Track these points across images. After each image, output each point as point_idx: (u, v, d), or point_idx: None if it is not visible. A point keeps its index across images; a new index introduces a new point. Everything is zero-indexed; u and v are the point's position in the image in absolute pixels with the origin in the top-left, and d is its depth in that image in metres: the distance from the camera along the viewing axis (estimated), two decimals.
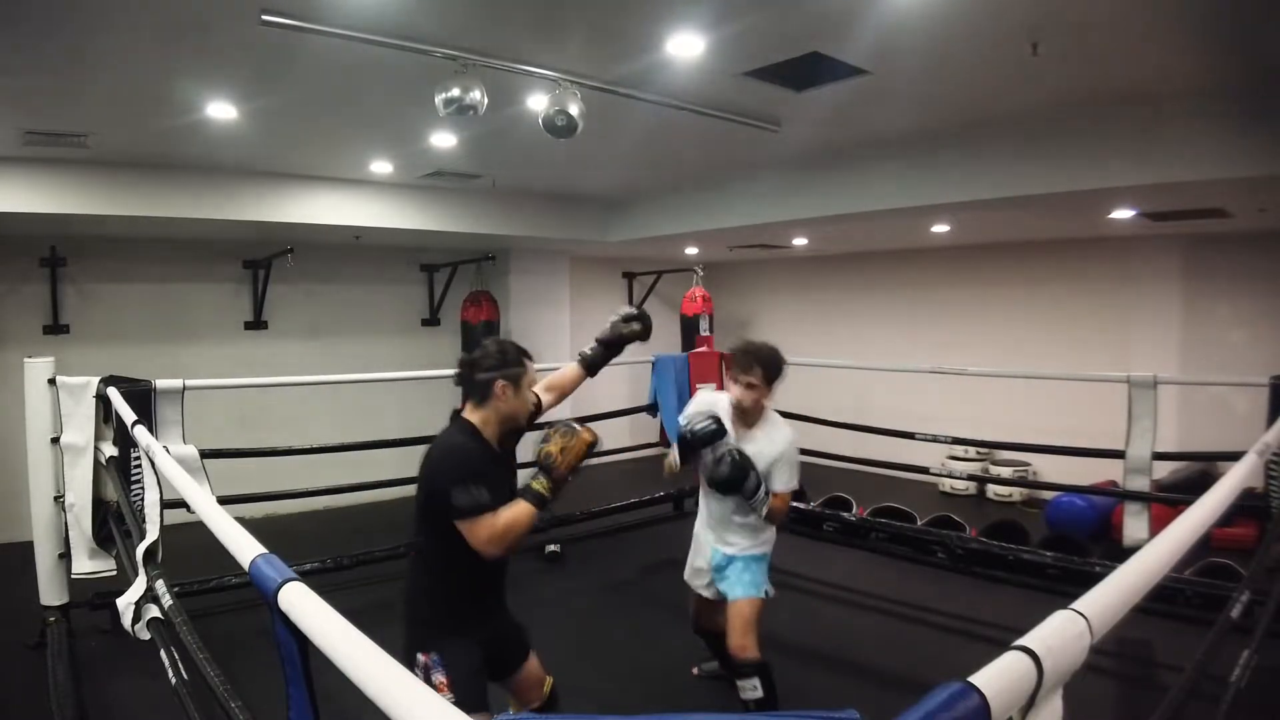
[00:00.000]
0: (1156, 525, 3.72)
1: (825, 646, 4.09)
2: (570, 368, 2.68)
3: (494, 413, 2.24)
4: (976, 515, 6.23)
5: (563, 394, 2.63)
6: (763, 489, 2.84)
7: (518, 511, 2.10)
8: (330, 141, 4.79)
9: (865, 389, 7.57)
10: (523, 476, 2.32)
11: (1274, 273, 6.04)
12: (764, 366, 2.84)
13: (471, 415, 2.25)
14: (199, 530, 1.72)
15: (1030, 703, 0.93)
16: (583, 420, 2.41)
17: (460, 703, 2.03)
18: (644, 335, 2.70)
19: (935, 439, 5.53)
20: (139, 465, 3.41)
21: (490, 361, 2.24)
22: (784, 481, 2.93)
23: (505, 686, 2.45)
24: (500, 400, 2.22)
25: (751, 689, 2.80)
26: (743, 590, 2.94)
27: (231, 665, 2.19)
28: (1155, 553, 1.39)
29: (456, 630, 2.18)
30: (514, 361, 2.25)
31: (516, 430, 2.35)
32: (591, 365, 2.67)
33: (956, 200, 4.79)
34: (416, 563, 2.31)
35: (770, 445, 2.91)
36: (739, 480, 2.79)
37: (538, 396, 2.47)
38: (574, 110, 3.29)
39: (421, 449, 2.23)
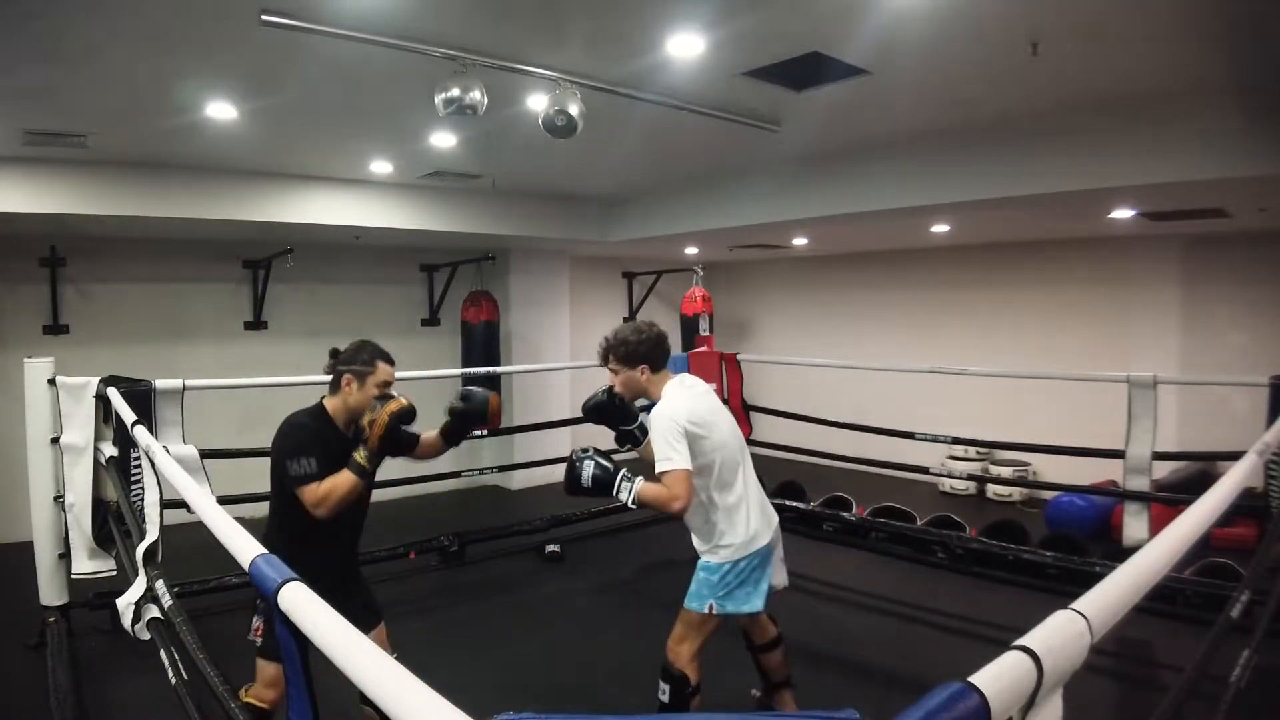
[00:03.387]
0: (1156, 525, 3.72)
1: (825, 646, 4.08)
2: (432, 433, 2.83)
3: (341, 402, 2.53)
4: (976, 515, 6.23)
5: (431, 453, 2.84)
6: (619, 475, 2.63)
7: (338, 480, 2.37)
8: (330, 141, 4.79)
9: (865, 389, 7.57)
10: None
11: (1274, 273, 6.04)
12: (612, 353, 2.82)
13: (327, 401, 2.55)
14: (199, 530, 1.72)
15: (1030, 703, 0.93)
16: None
17: (264, 648, 2.39)
18: (469, 416, 2.79)
19: (935, 439, 5.53)
20: (139, 465, 3.41)
21: (345, 357, 2.54)
22: (657, 460, 2.59)
23: None
24: (346, 392, 2.51)
25: (660, 692, 2.72)
26: (685, 598, 2.76)
27: (231, 665, 2.19)
28: (1155, 553, 1.39)
29: None
30: (364, 361, 2.52)
31: (394, 440, 2.51)
32: (449, 435, 2.82)
33: (956, 200, 4.79)
34: (269, 518, 2.56)
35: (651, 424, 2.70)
36: (573, 482, 2.70)
37: (417, 436, 2.76)
38: (574, 110, 3.29)
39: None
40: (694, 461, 2.57)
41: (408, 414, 2.47)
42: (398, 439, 2.54)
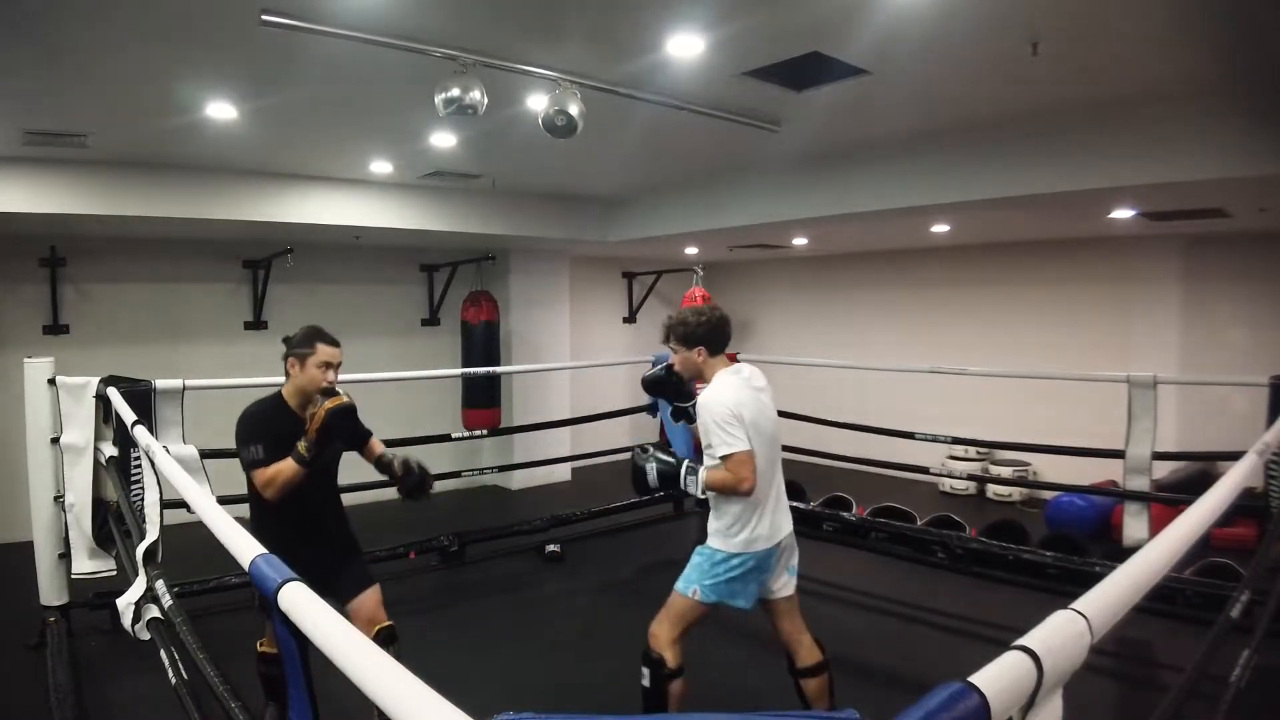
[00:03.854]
0: (1156, 525, 3.72)
1: (825, 646, 4.08)
2: (380, 452, 3.04)
3: (292, 385, 2.74)
4: (976, 515, 6.23)
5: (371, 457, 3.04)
6: (683, 468, 2.72)
7: (281, 467, 2.58)
8: (330, 141, 4.78)
9: (865, 389, 7.58)
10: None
11: (1274, 273, 6.04)
12: (671, 332, 2.85)
13: (284, 389, 2.78)
14: (199, 530, 1.72)
15: (1030, 703, 0.93)
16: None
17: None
18: (406, 490, 2.96)
19: (935, 439, 5.53)
20: (139, 465, 3.41)
21: (290, 342, 2.76)
22: (709, 448, 2.66)
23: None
24: (293, 375, 2.73)
25: (642, 676, 2.73)
26: (677, 581, 2.77)
27: (231, 665, 2.19)
28: (1155, 552, 1.39)
29: None
30: (302, 343, 2.73)
31: (338, 433, 2.68)
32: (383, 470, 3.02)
33: (956, 200, 4.79)
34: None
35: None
36: (639, 482, 2.80)
37: (368, 431, 2.97)
38: (574, 110, 3.29)
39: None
40: None
41: (346, 411, 2.61)
42: (344, 432, 2.68)
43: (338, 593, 2.76)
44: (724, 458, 2.60)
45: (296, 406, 2.73)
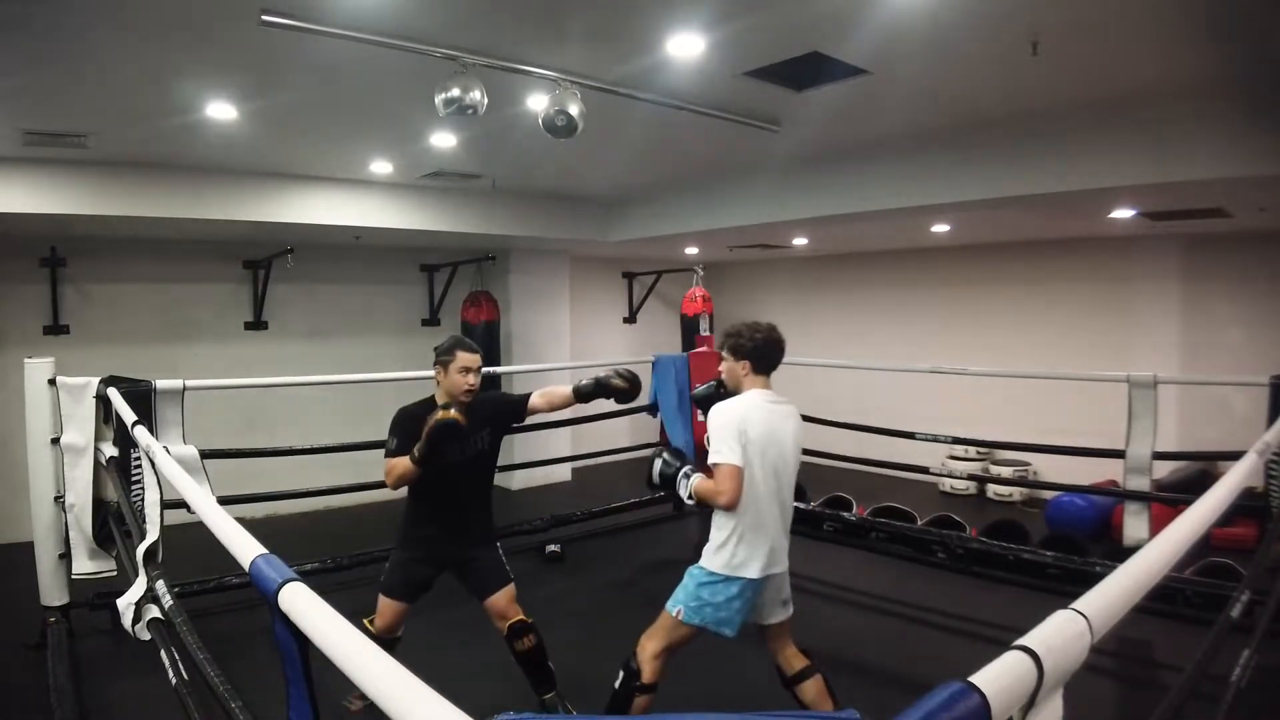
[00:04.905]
0: (1156, 525, 3.72)
1: (825, 646, 4.06)
2: (563, 389, 3.23)
3: (440, 389, 3.03)
4: (976, 515, 6.23)
5: (551, 407, 3.25)
6: (680, 472, 2.75)
7: (397, 461, 2.88)
8: (330, 141, 4.78)
9: (865, 389, 7.57)
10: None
11: (1274, 273, 6.04)
12: (726, 342, 2.86)
13: (436, 391, 3.06)
14: (199, 530, 1.72)
15: (1030, 702, 0.93)
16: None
17: (384, 588, 3.06)
18: (608, 391, 3.23)
19: (935, 439, 5.53)
20: (139, 465, 3.41)
21: (437, 350, 3.04)
22: (710, 453, 2.66)
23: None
24: (439, 379, 3.02)
25: (616, 677, 2.77)
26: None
27: (231, 665, 2.18)
28: (1155, 552, 1.39)
29: (401, 545, 3.12)
30: (444, 352, 3.01)
31: (500, 410, 3.17)
32: (581, 395, 3.18)
33: (956, 200, 4.79)
34: None
35: None
36: (648, 479, 2.90)
37: (527, 396, 3.20)
38: (574, 110, 3.29)
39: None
40: None
41: (450, 426, 2.79)
42: (475, 428, 2.97)
43: (466, 581, 3.13)
44: (713, 466, 2.59)
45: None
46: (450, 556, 3.09)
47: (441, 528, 3.05)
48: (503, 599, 3.08)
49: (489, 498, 3.20)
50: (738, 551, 2.64)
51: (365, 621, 3.06)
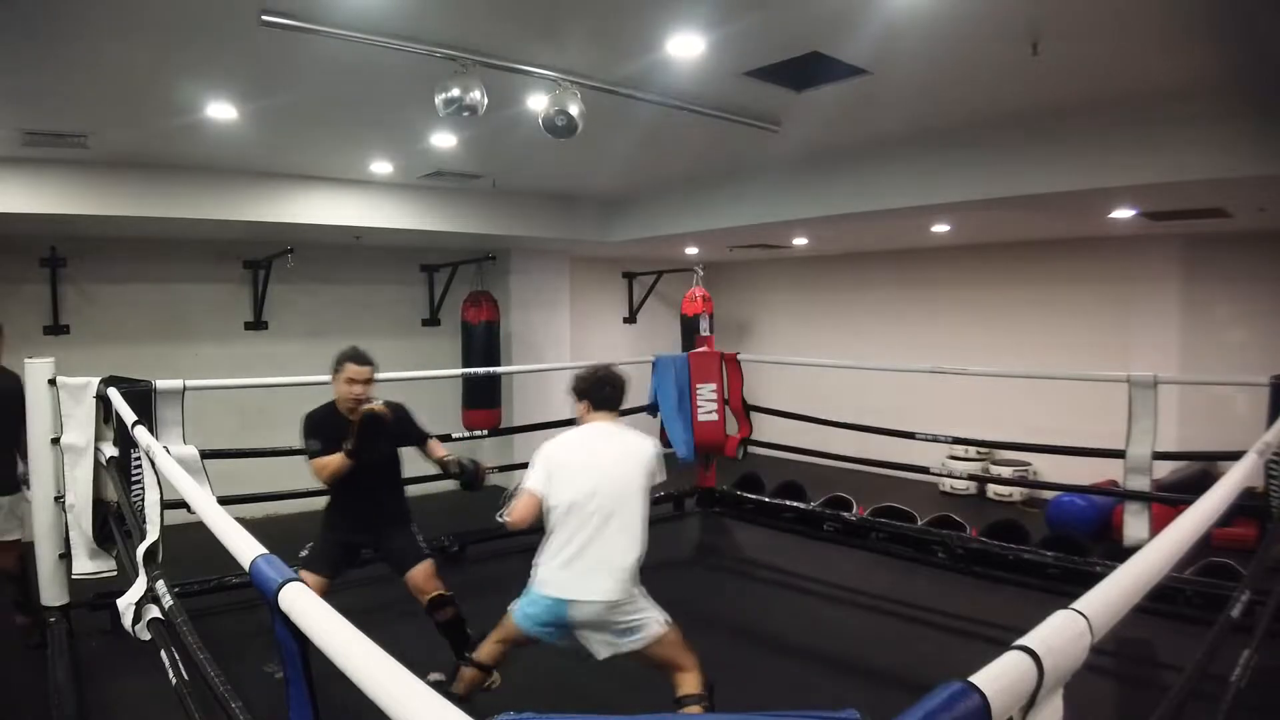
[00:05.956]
0: (1156, 525, 3.73)
1: (825, 646, 4.09)
2: (440, 450, 3.54)
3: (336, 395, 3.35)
4: (977, 515, 6.22)
5: (430, 455, 3.55)
6: (502, 499, 2.89)
7: (329, 459, 3.19)
8: (330, 141, 4.79)
9: (865, 389, 7.57)
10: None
11: (1274, 273, 6.04)
12: (572, 387, 3.07)
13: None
14: (199, 530, 1.72)
15: (1030, 702, 0.93)
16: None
17: (304, 563, 3.28)
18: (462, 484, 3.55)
19: (935, 439, 5.53)
20: (139, 465, 3.40)
21: (333, 360, 3.33)
22: None
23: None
24: (334, 386, 3.33)
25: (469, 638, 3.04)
26: None
27: (231, 665, 2.19)
28: (1155, 552, 1.39)
29: (325, 526, 3.43)
30: (336, 362, 3.30)
31: (408, 429, 3.46)
32: (444, 467, 3.50)
33: (956, 200, 4.79)
34: None
35: None
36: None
37: (425, 434, 3.53)
38: (574, 110, 3.29)
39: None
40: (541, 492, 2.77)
41: (375, 418, 3.18)
42: (386, 433, 3.27)
43: (388, 558, 3.43)
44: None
45: (345, 410, 3.28)
46: (365, 537, 3.44)
47: (357, 514, 3.36)
48: (419, 574, 3.32)
49: (399, 486, 3.56)
50: (545, 566, 2.75)
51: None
